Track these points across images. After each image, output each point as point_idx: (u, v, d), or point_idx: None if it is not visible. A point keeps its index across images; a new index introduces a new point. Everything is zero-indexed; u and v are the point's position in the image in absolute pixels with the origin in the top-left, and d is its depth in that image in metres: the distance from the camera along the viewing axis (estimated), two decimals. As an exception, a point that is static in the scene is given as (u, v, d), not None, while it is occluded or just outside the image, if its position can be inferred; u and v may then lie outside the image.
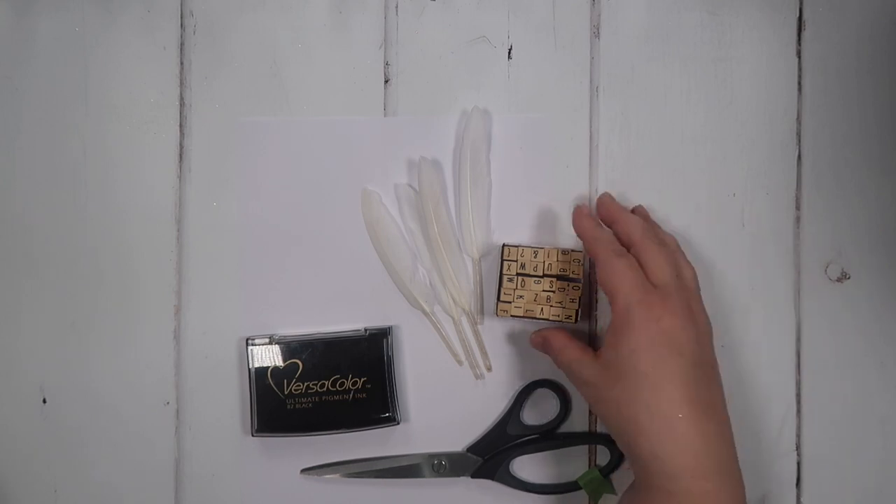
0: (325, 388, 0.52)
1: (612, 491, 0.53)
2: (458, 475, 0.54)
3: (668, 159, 0.55)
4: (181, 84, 0.55)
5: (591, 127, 0.55)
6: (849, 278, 0.54)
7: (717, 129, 0.55)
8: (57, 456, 0.54)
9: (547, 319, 0.51)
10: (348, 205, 0.54)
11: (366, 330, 0.53)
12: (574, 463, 0.54)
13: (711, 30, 0.55)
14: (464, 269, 0.54)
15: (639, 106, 0.55)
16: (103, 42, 0.55)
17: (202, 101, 0.55)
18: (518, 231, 0.54)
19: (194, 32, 0.55)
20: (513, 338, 0.54)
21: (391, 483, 0.54)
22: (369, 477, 0.53)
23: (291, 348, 0.53)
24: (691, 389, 0.44)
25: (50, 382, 0.54)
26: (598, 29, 0.55)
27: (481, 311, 0.54)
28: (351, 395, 0.52)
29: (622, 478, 0.53)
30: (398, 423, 0.53)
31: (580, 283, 0.51)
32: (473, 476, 0.53)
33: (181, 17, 0.55)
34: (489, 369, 0.54)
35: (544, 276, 0.51)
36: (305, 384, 0.52)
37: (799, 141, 0.55)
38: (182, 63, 0.55)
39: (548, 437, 0.54)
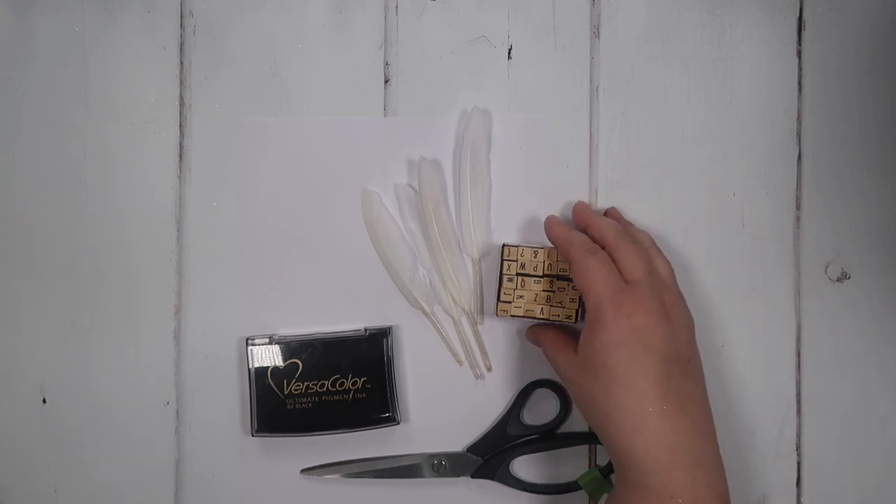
0: (324, 388, 0.52)
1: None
2: (458, 475, 0.54)
3: (668, 159, 0.55)
4: (181, 84, 0.55)
5: (591, 127, 0.55)
6: (849, 278, 0.54)
7: (717, 129, 0.55)
8: (57, 456, 0.54)
9: (547, 319, 0.51)
10: (348, 205, 0.54)
11: (366, 330, 0.53)
12: (574, 463, 0.54)
13: (711, 30, 0.55)
14: (464, 269, 0.54)
15: (639, 106, 0.55)
16: (103, 42, 0.55)
17: (202, 101, 0.55)
18: (518, 231, 0.54)
19: (194, 32, 0.55)
20: (513, 338, 0.54)
21: (391, 483, 0.54)
22: (369, 477, 0.53)
23: (291, 348, 0.53)
24: (663, 385, 0.44)
25: (50, 382, 0.54)
26: (598, 29, 0.55)
27: (481, 311, 0.54)
28: (351, 395, 0.52)
29: (622, 478, 0.54)
30: (398, 423, 0.53)
31: None
32: (473, 476, 0.53)
33: (181, 17, 0.55)
34: (489, 369, 0.54)
35: (544, 276, 0.51)
36: (305, 384, 0.52)
37: (799, 141, 0.55)
38: (182, 63, 0.55)
39: (548, 437, 0.54)
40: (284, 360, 0.52)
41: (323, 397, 0.52)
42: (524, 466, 0.54)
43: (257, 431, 0.52)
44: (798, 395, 0.54)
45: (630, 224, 0.53)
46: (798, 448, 0.54)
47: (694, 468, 0.44)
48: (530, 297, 0.51)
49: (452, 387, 0.54)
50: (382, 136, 0.55)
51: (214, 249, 0.54)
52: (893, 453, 0.54)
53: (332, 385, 0.52)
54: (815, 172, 0.55)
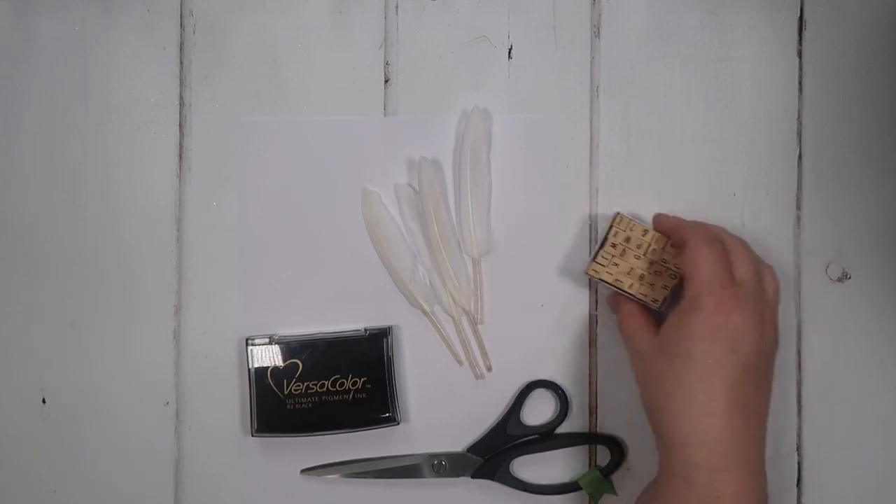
0: (325, 389, 0.52)
1: (613, 491, 0.53)
2: (459, 475, 0.54)
3: (668, 159, 0.55)
4: (181, 84, 0.55)
5: (591, 127, 0.55)
6: (849, 278, 0.54)
7: (717, 129, 0.55)
8: (57, 456, 0.54)
9: (633, 295, 0.51)
10: (348, 205, 0.54)
11: (366, 330, 0.53)
12: (574, 463, 0.54)
13: (712, 30, 0.55)
14: (464, 269, 0.54)
15: (639, 106, 0.55)
16: (103, 42, 0.55)
17: (202, 101, 0.55)
18: (518, 231, 0.54)
19: (194, 32, 0.55)
20: (513, 338, 0.54)
21: (391, 483, 0.54)
22: (369, 477, 0.53)
23: (291, 348, 0.53)
24: (735, 388, 0.44)
25: (50, 382, 0.54)
26: (598, 29, 0.55)
27: (481, 311, 0.54)
28: (351, 396, 0.52)
29: (622, 478, 0.53)
30: (398, 424, 0.53)
31: (678, 275, 0.50)
32: (473, 476, 0.53)
33: (181, 17, 0.55)
34: (489, 369, 0.54)
35: (645, 256, 0.51)
36: (305, 384, 0.52)
37: (799, 141, 0.55)
38: (182, 63, 0.55)
39: (548, 438, 0.54)
40: (284, 360, 0.52)
41: (323, 397, 0.52)
42: (524, 467, 0.54)
43: (257, 431, 0.52)
44: (799, 395, 0.54)
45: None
46: (799, 448, 0.54)
47: (742, 473, 0.44)
48: (625, 269, 0.51)
49: (452, 387, 0.54)
50: (382, 136, 0.55)
51: (214, 249, 0.54)
52: (894, 454, 0.54)
53: (332, 385, 0.52)
54: (815, 172, 0.55)
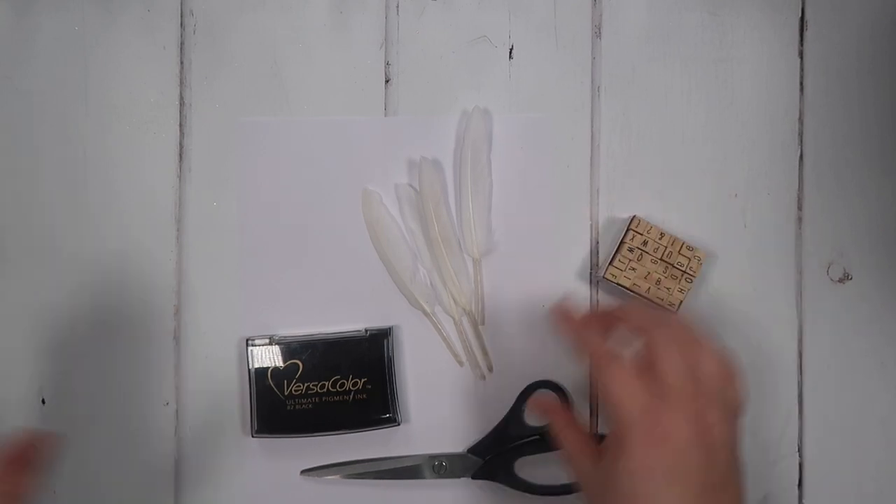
0: (325, 389, 0.52)
1: (613, 492, 0.53)
2: (459, 476, 0.53)
3: (669, 160, 0.55)
4: (181, 84, 0.55)
5: (592, 127, 0.55)
6: (850, 279, 0.54)
7: (718, 130, 0.55)
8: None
9: (650, 299, 0.51)
10: (348, 205, 0.54)
11: (366, 330, 0.53)
12: (575, 464, 0.54)
13: (712, 30, 0.55)
14: (464, 269, 0.54)
15: (640, 106, 0.55)
16: (103, 42, 0.55)
17: (202, 100, 0.55)
18: (519, 231, 0.54)
19: (194, 32, 0.55)
20: (514, 338, 0.54)
21: (392, 484, 0.54)
22: (370, 478, 0.53)
23: (291, 349, 0.52)
24: (699, 501, 0.39)
25: (50, 383, 0.54)
26: (599, 29, 0.55)
27: (482, 311, 0.54)
28: (351, 396, 0.52)
29: (623, 479, 0.53)
30: (399, 424, 0.53)
31: (694, 278, 0.51)
32: (474, 477, 0.53)
33: (181, 17, 0.55)
34: (490, 370, 0.54)
35: (662, 259, 0.51)
36: (305, 385, 0.52)
37: (801, 141, 0.55)
38: (182, 63, 0.55)
39: (549, 438, 0.53)
40: (285, 361, 0.52)
41: (323, 398, 0.52)
42: (526, 467, 0.54)
43: (257, 432, 0.52)
44: (800, 395, 0.54)
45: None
46: (800, 449, 0.54)
47: None
48: (642, 273, 0.51)
49: (453, 387, 0.54)
50: (383, 136, 0.55)
51: (214, 249, 0.54)
52: (894, 453, 0.54)
53: (333, 386, 0.52)
54: (816, 173, 0.55)
